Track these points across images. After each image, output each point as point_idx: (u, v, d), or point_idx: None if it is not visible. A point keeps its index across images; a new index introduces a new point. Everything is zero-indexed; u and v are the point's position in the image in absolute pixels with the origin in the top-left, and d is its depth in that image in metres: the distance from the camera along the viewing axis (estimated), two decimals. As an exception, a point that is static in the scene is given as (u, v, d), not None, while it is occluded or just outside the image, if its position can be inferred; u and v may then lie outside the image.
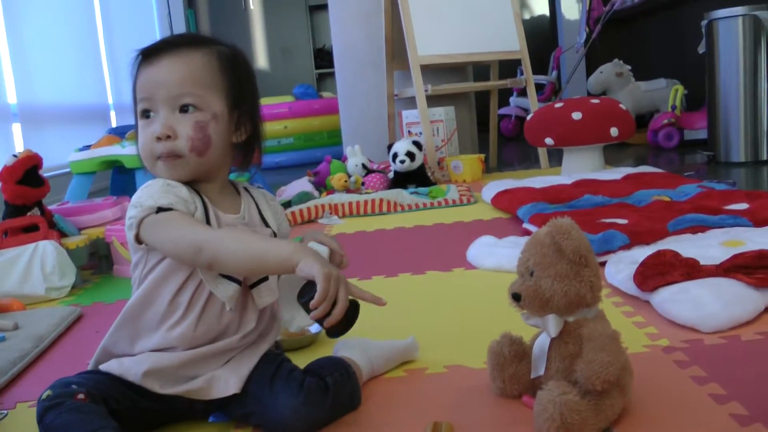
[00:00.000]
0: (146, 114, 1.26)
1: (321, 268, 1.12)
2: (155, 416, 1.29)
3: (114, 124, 6.39)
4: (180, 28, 8.27)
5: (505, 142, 7.10)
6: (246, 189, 1.40)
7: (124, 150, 3.55)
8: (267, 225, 1.36)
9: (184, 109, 1.25)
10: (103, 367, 1.28)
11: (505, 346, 1.31)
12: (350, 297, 1.17)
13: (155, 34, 7.89)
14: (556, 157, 4.28)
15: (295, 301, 1.24)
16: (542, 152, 4.68)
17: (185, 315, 1.26)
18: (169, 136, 1.24)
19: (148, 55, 1.27)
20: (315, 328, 1.73)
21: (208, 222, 1.26)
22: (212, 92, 1.27)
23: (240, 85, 1.33)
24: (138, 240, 1.24)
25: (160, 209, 1.21)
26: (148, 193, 1.23)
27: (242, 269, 1.24)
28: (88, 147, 3.79)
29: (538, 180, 3.64)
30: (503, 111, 7.22)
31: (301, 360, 1.38)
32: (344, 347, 1.47)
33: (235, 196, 1.37)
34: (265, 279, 1.32)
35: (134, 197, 1.25)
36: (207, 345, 1.28)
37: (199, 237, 1.19)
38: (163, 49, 1.26)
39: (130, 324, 1.28)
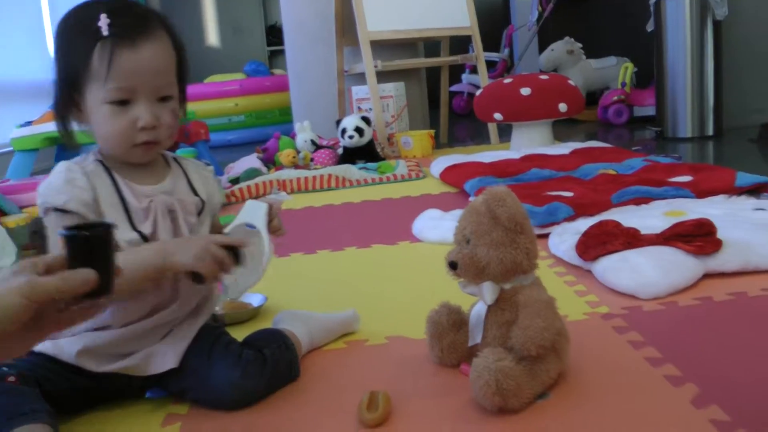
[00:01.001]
0: (124, 101, 1.20)
1: (191, 257, 1.14)
2: (91, 395, 1.27)
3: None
4: (129, 5, 8.15)
5: (458, 119, 7.10)
6: (176, 160, 1.36)
7: (68, 126, 3.48)
8: (196, 194, 1.32)
9: (163, 98, 1.23)
10: (36, 347, 1.25)
11: (443, 315, 1.31)
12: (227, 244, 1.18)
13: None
14: (507, 133, 4.29)
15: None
16: (492, 128, 4.68)
17: None
18: (154, 126, 1.21)
19: (124, 35, 1.18)
20: (257, 301, 1.72)
21: (120, 196, 1.22)
22: (174, 76, 1.25)
23: (182, 61, 1.29)
24: None
25: (56, 208, 1.18)
26: (51, 185, 1.20)
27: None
28: (29, 123, 3.72)
29: (487, 155, 3.64)
30: (455, 88, 7.21)
31: (241, 334, 1.37)
32: (284, 320, 1.46)
33: (163, 168, 1.32)
34: None
35: (42, 183, 1.22)
36: (143, 320, 1.25)
37: None
38: (139, 31, 1.19)
39: None
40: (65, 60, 1.22)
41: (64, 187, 1.18)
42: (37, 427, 1.09)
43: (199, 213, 1.31)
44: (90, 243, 0.90)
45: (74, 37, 1.20)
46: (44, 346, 1.24)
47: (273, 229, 1.33)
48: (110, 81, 1.17)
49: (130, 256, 1.14)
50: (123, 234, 1.19)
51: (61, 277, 0.86)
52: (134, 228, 1.21)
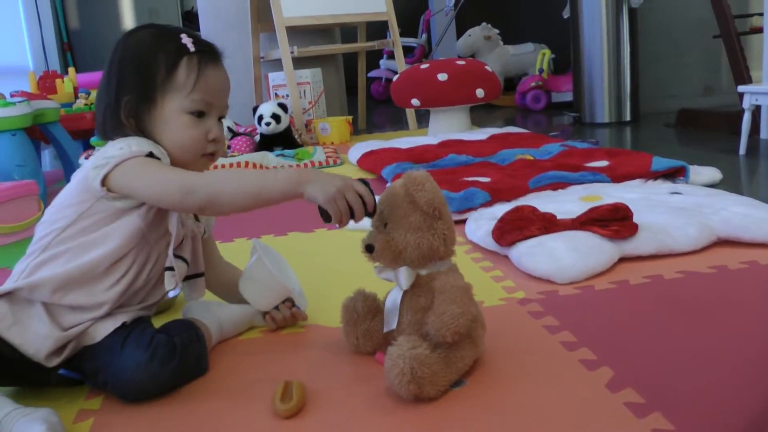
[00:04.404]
0: (201, 113, 1.29)
1: (323, 195, 1.17)
2: (4, 367, 1.23)
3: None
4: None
5: (376, 105, 7.10)
6: None
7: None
8: (197, 219, 1.39)
9: (221, 118, 1.34)
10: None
11: (358, 303, 1.29)
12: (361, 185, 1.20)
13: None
14: (425, 119, 4.29)
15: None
16: (410, 113, 4.68)
17: (122, 278, 1.25)
18: (221, 140, 1.33)
19: (211, 54, 1.31)
20: (173, 292, 1.69)
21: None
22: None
23: None
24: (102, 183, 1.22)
25: (151, 154, 1.23)
26: (134, 142, 1.24)
27: (242, 205, 1.22)
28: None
29: (405, 141, 3.63)
30: (374, 74, 7.20)
31: (155, 324, 1.34)
32: (193, 310, 1.45)
33: None
34: (201, 275, 1.37)
35: (110, 149, 1.24)
36: (131, 306, 1.29)
37: (192, 180, 1.21)
38: (218, 53, 1.33)
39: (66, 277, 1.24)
40: (143, 67, 1.27)
41: (155, 148, 1.25)
42: None
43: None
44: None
45: (156, 49, 1.28)
46: (11, 333, 1.22)
47: None
48: (196, 92, 1.28)
49: (264, 177, 1.22)
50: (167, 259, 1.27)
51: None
52: (175, 254, 1.29)
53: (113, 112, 1.28)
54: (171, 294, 1.68)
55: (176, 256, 1.28)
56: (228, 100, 1.35)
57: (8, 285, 1.25)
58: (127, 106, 1.27)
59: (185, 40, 1.28)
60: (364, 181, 1.19)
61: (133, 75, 1.27)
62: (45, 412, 1.12)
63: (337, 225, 1.19)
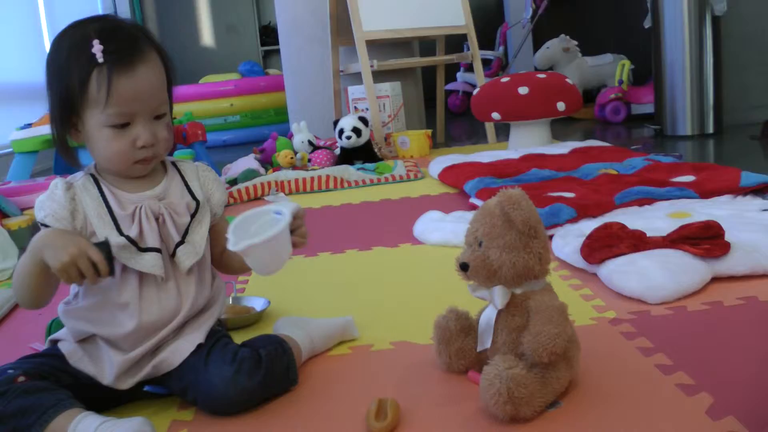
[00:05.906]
0: (124, 125, 1.23)
1: (54, 263, 1.14)
2: (92, 392, 1.26)
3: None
4: (124, 6, 8.10)
5: (453, 118, 7.09)
6: (174, 164, 1.38)
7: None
8: (194, 197, 1.34)
9: (159, 116, 1.26)
10: (50, 351, 1.29)
11: (451, 321, 1.29)
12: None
13: (98, 11, 7.72)
14: (503, 132, 4.28)
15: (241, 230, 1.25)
16: (489, 127, 4.67)
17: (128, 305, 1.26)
18: (153, 144, 1.25)
19: (121, 62, 1.20)
20: (260, 305, 1.71)
21: (107, 206, 1.25)
22: (166, 93, 1.28)
23: (170, 75, 1.32)
24: None
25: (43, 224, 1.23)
26: (39, 200, 1.25)
27: (23, 291, 1.22)
28: (29, 125, 3.72)
29: (485, 155, 3.61)
30: (450, 86, 7.20)
31: (242, 339, 1.36)
32: (283, 325, 1.46)
33: (159, 173, 1.34)
34: (182, 243, 1.30)
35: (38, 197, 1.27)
36: (163, 329, 1.28)
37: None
38: (134, 56, 1.21)
39: (90, 318, 1.28)
40: (61, 84, 1.23)
41: (45, 203, 1.24)
42: (73, 411, 1.15)
43: (195, 213, 1.33)
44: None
45: (69, 63, 1.21)
46: (83, 364, 1.27)
47: (298, 234, 1.39)
48: (110, 107, 1.20)
49: (22, 257, 1.21)
50: (112, 238, 1.22)
51: None
52: (121, 233, 1.24)
53: (57, 128, 1.27)
54: (259, 308, 1.70)
55: (143, 249, 1.25)
56: (158, 98, 1.25)
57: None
58: (59, 117, 1.25)
59: (95, 48, 1.18)
60: (102, 244, 1.19)
61: (56, 91, 1.23)
62: (138, 421, 1.14)
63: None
